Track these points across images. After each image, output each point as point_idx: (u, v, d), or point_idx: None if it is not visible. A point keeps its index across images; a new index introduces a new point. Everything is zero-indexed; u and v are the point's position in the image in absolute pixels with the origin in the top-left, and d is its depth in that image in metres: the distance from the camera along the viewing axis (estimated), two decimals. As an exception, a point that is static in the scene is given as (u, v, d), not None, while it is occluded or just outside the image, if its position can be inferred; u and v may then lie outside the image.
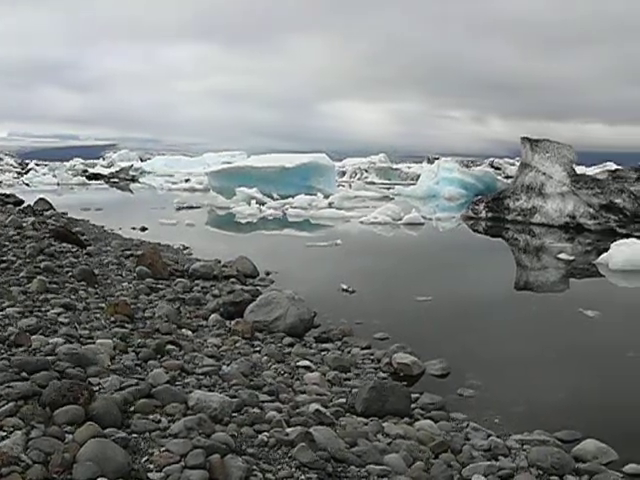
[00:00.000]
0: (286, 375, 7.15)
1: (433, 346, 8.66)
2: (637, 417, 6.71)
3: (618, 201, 22.68)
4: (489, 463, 5.30)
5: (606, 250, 15.87)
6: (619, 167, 31.15)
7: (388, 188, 46.13)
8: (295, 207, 28.73)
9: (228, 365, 6.77)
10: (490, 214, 25.71)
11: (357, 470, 4.62)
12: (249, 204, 28.31)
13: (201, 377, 6.10)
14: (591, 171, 35.50)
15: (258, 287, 11.68)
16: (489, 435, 5.97)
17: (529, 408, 6.80)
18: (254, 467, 4.20)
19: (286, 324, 8.91)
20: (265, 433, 4.81)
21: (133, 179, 57.48)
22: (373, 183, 54.02)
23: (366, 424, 5.83)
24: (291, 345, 8.44)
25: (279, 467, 4.34)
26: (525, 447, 5.74)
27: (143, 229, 19.80)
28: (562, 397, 7.15)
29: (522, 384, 7.55)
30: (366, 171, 62.63)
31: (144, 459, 4.01)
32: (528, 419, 6.45)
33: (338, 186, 41.40)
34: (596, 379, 7.81)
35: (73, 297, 8.39)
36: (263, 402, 5.71)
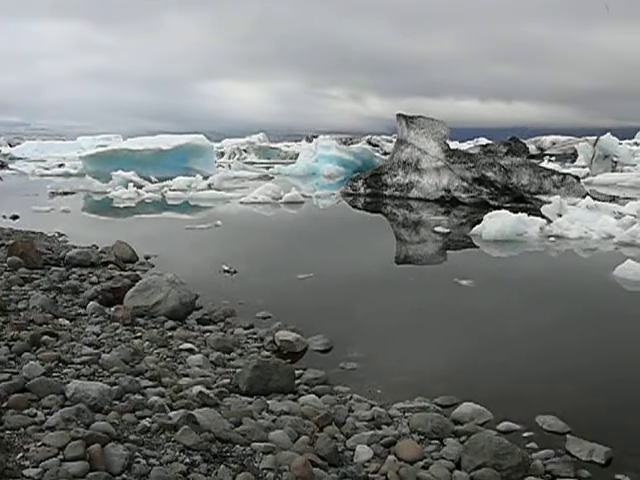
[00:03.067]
0: (169, 359, 7.05)
1: (315, 322, 8.75)
2: (509, 379, 7.05)
3: (489, 174, 23.58)
4: (372, 432, 5.44)
5: (479, 222, 16.54)
6: (490, 142, 32.35)
7: (267, 167, 46.11)
8: (174, 189, 28.25)
9: (108, 353, 6.61)
10: (369, 190, 26.20)
11: (242, 449, 4.63)
12: (126, 188, 27.55)
13: (80, 367, 5.93)
14: (464, 146, 36.78)
15: (138, 272, 11.43)
16: (372, 405, 6.11)
17: (410, 377, 7.00)
18: (137, 454, 4.13)
19: (167, 308, 8.77)
20: (147, 419, 4.74)
21: (2, 165, 54.75)
22: (252, 163, 53.83)
23: (250, 403, 5.85)
24: (173, 329, 8.32)
25: (163, 452, 4.29)
26: (407, 414, 5.92)
27: (14, 217, 18.92)
28: (441, 364, 7.41)
29: (403, 354, 7.75)
30: (245, 151, 62.38)
31: (19, 456, 3.86)
32: (409, 388, 6.64)
33: (217, 167, 41.01)
34: (471, 345, 8.12)
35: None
36: (145, 388, 5.61)
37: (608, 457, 5.24)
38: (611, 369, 7.40)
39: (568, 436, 5.56)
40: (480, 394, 6.36)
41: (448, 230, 17.58)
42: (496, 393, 6.54)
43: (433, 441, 5.42)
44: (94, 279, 10.47)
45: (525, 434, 5.67)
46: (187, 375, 6.48)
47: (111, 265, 11.74)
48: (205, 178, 30.97)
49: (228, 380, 6.47)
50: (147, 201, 25.59)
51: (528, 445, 5.45)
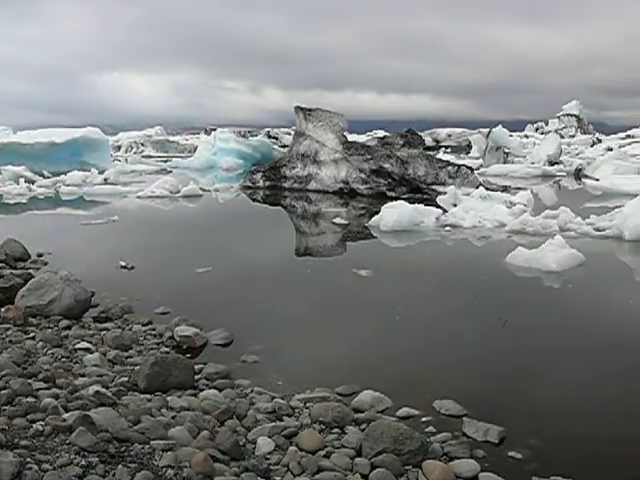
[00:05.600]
0: (64, 359, 6.86)
1: (215, 316, 8.68)
2: (407, 366, 7.19)
3: (387, 166, 23.97)
4: (273, 424, 5.44)
5: (377, 213, 16.78)
6: (387, 134, 32.88)
7: (165, 161, 45.46)
8: (68, 184, 27.44)
9: (-2, 355, 6.36)
10: (268, 183, 26.19)
11: (141, 447, 4.53)
12: (17, 183, 26.51)
13: (-34, 372, 5.68)
14: (362, 138, 37.21)
15: (30, 270, 11.01)
16: (273, 397, 6.11)
17: (311, 368, 7.04)
18: (28, 459, 3.98)
19: (62, 306, 8.51)
20: (40, 422, 4.58)
21: None
22: (150, 157, 52.91)
23: (149, 400, 5.75)
24: (68, 328, 8.10)
25: (57, 455, 4.16)
26: (308, 405, 5.95)
27: None
28: (341, 354, 7.48)
29: (304, 345, 7.80)
30: (142, 144, 61.24)
31: None
32: (310, 378, 6.68)
33: (113, 161, 40.11)
34: (371, 334, 8.24)
35: None
36: (38, 390, 5.44)
37: (501, 436, 5.43)
38: (504, 354, 7.67)
39: (464, 419, 5.72)
40: (380, 382, 6.46)
41: (347, 221, 17.78)
42: (395, 380, 6.65)
43: (334, 430, 5.47)
44: (-18, 279, 10.03)
45: (424, 419, 5.80)
46: (83, 375, 6.32)
47: (1, 264, 11.29)
48: (101, 172, 30.19)
49: (126, 378, 6.34)
50: (39, 197, 24.76)
51: (427, 429, 5.58)
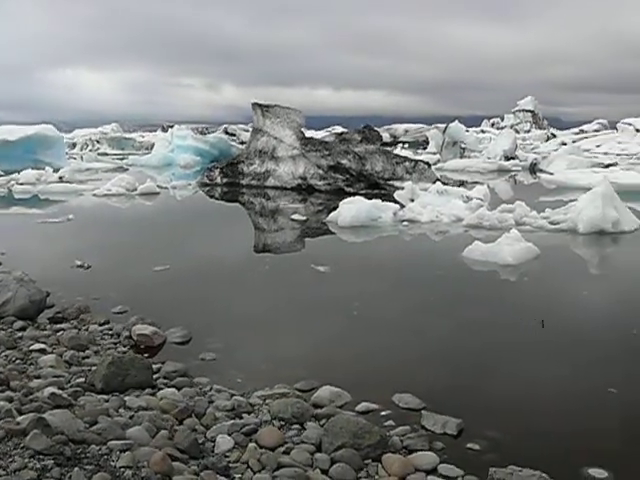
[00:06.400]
0: (18, 361, 6.75)
1: (174, 314, 8.61)
2: (366, 361, 7.21)
3: (344, 162, 24.04)
4: (233, 422, 5.41)
5: (335, 209, 16.82)
6: (345, 130, 32.95)
7: (122, 158, 44.93)
8: (22, 183, 26.92)
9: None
10: (226, 180, 26.07)
11: (98, 449, 4.47)
12: (-32, 182, 26.01)
13: None
14: (320, 134, 37.27)
15: (-18, 271, 10.81)
16: (232, 395, 6.09)
17: (270, 364, 7.02)
18: (-19, 464, 3.91)
19: (15, 307, 8.36)
20: (-7, 426, 4.49)
21: None
22: (106, 154, 52.21)
23: (107, 400, 5.68)
24: (23, 329, 7.96)
25: (10, 460, 4.08)
26: (267, 402, 5.94)
27: None
28: (300, 350, 7.49)
29: (263, 342, 7.77)
30: (98, 142, 60.35)
31: None
32: (269, 375, 6.67)
33: (68, 158, 39.43)
34: (330, 330, 8.26)
35: None
36: (-9, 393, 5.33)
37: (459, 428, 5.49)
38: (462, 348, 7.73)
39: (423, 412, 5.77)
40: (339, 377, 6.48)
41: (305, 217, 17.78)
42: (354, 375, 6.68)
43: (294, 426, 5.47)
44: None
45: (383, 413, 5.83)
46: (38, 377, 6.21)
47: (-48, 265, 11.05)
48: (56, 170, 29.69)
49: (83, 379, 6.26)
50: (-8, 196, 24.27)
51: (386, 423, 5.61)
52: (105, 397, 5.80)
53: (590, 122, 75.44)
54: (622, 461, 5.06)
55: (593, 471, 4.85)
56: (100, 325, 8.30)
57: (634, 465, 5.05)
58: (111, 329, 8.17)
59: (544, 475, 4.47)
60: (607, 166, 34.61)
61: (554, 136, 67.95)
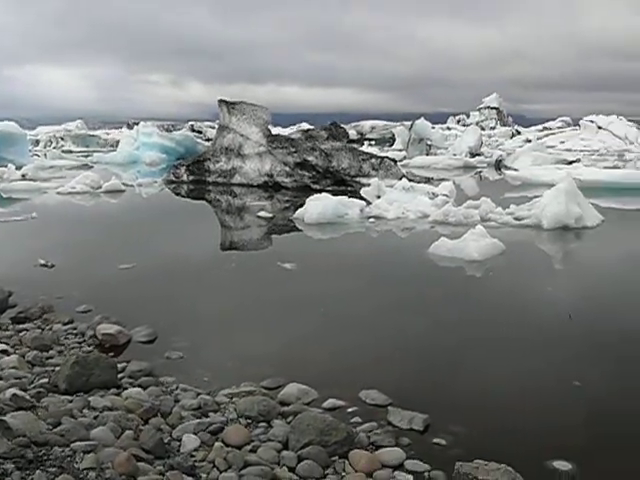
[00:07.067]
0: (-21, 364, 6.62)
1: (139, 313, 8.54)
2: (333, 357, 7.21)
3: (311, 159, 24.03)
4: (199, 421, 5.38)
5: (302, 205, 16.80)
6: (311, 127, 32.94)
7: (86, 156, 44.40)
8: (-17, 181, 26.49)
9: None
10: (192, 177, 25.91)
11: (61, 450, 4.42)
12: None
13: None
14: (287, 131, 37.20)
15: (-58, 271, 10.61)
16: (198, 394, 6.05)
17: (237, 362, 6.99)
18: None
19: (-24, 308, 8.22)
20: (-48, 429, 4.40)
21: None
22: (70, 151, 51.51)
23: (71, 401, 5.61)
24: (-16, 330, 7.82)
25: (-30, 464, 4.01)
26: (234, 400, 5.91)
27: None
28: (267, 348, 7.45)
29: (229, 340, 7.74)
30: (62, 139, 59.51)
31: None
32: (236, 373, 6.64)
33: (32, 156, 38.93)
34: (296, 327, 8.24)
35: None
36: (-51, 396, 5.23)
37: (426, 424, 5.52)
38: (428, 344, 7.78)
39: (390, 408, 5.79)
40: (306, 374, 6.48)
41: (271, 215, 17.75)
42: (321, 372, 6.68)
43: (260, 424, 5.45)
44: None
45: (349, 409, 5.84)
46: (0, 378, 6.10)
47: None
48: (18, 168, 29.21)
49: (46, 379, 6.18)
50: (-48, 194, 23.81)
51: (353, 420, 5.62)
52: (69, 398, 5.72)
53: (554, 119, 76.34)
54: (585, 453, 5.14)
55: (557, 463, 4.92)
56: (64, 325, 8.19)
57: (597, 456, 5.13)
58: (75, 328, 8.06)
59: (509, 468, 4.50)
60: (570, 163, 35.05)
61: (519, 133, 68.63)
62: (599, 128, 57.74)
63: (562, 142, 57.62)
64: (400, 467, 4.87)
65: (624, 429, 5.62)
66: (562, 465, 4.90)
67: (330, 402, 5.96)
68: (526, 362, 7.09)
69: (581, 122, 61.90)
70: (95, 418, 5.23)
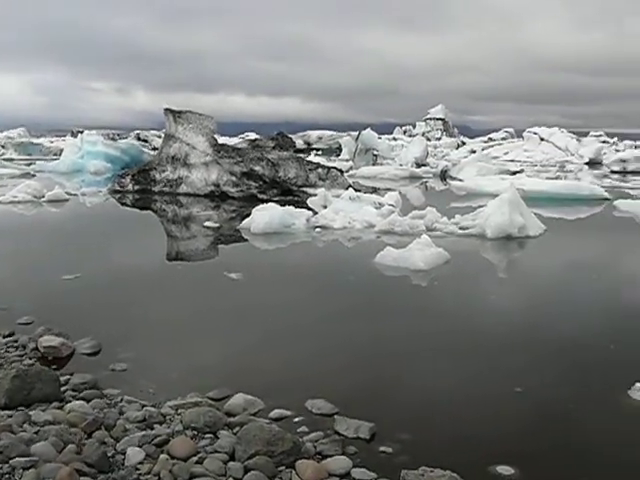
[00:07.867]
0: None
1: (83, 325, 8.38)
2: (279, 368, 7.19)
3: (257, 168, 24.01)
4: (144, 433, 5.31)
5: (248, 215, 16.74)
6: (258, 137, 32.93)
7: (29, 164, 43.53)
8: None
9: None
10: (137, 187, 25.63)
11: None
12: None
13: None
14: (233, 141, 37.11)
15: None
16: (144, 406, 5.97)
17: (183, 374, 6.93)
18: None
19: None
20: None
21: None
22: (12, 159, 50.42)
23: (10, 416, 5.47)
24: None
25: None
26: (180, 411, 5.84)
27: None
28: (213, 359, 7.42)
29: (175, 351, 7.65)
30: (3, 147, 58.28)
31: None
32: (182, 384, 6.57)
33: (-29, 165, 38.00)
34: (242, 338, 8.20)
35: None
36: None
37: (372, 432, 5.54)
38: (374, 352, 7.81)
39: (336, 417, 5.81)
40: (252, 385, 6.45)
41: (218, 225, 17.65)
42: (268, 383, 6.65)
43: (207, 435, 5.41)
44: None
45: (296, 419, 5.84)
46: None
47: None
48: (-43, 177, 28.56)
49: (-15, 394, 6.01)
50: None
51: (299, 429, 5.62)
52: (9, 412, 5.58)
53: (498, 131, 77.92)
54: (527, 457, 5.24)
55: (500, 468, 5.00)
56: (4, 337, 7.98)
57: (539, 460, 5.22)
58: (16, 341, 7.86)
59: (454, 475, 4.57)
60: (514, 173, 35.80)
61: (464, 144, 69.86)
62: (541, 140, 59.16)
63: (506, 153, 58.89)
64: (347, 476, 4.88)
65: (565, 434, 5.75)
66: (505, 470, 4.98)
67: (277, 412, 5.95)
68: (470, 370, 7.20)
69: (524, 134, 63.37)
70: (36, 433, 5.11)
